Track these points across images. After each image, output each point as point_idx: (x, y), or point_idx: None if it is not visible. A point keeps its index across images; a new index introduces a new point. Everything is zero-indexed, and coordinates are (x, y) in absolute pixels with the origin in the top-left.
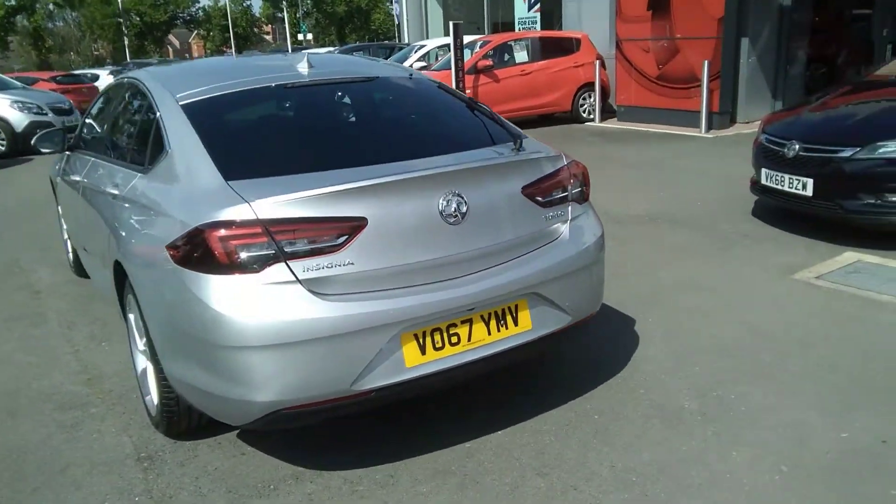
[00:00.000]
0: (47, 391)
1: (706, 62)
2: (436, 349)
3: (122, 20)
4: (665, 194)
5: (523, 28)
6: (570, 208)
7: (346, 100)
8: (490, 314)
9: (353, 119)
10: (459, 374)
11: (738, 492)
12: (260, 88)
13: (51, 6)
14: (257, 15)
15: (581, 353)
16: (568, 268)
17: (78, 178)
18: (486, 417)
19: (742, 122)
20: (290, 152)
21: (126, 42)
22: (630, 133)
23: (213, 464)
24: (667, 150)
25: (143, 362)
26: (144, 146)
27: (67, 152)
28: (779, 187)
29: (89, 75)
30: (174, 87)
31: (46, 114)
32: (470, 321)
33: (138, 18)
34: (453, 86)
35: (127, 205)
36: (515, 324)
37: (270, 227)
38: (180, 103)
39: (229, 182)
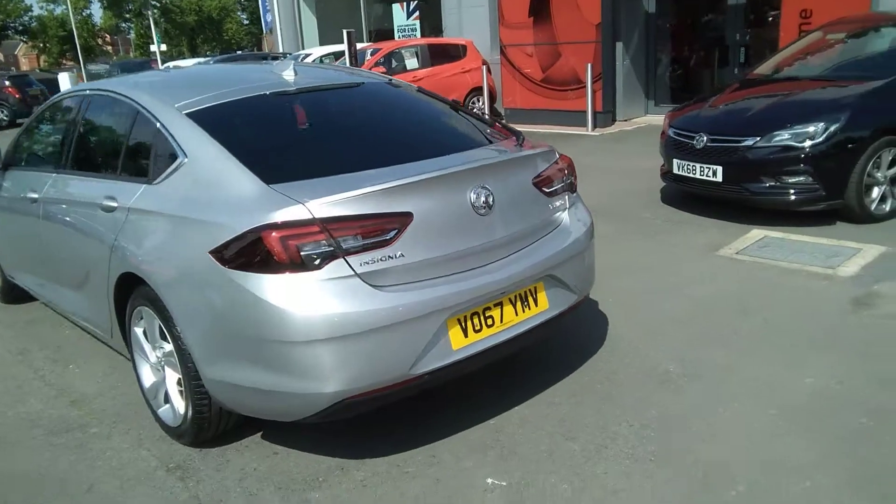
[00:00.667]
0: (30, 417)
1: (589, 65)
2: (475, 332)
3: None
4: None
5: (403, 36)
6: (567, 197)
7: (349, 104)
8: (516, 296)
9: (365, 122)
10: (495, 353)
11: (744, 433)
12: (261, 96)
13: None
14: (98, 25)
15: (562, 336)
16: (573, 251)
17: (27, 197)
18: (499, 396)
19: (621, 119)
20: (317, 155)
21: None
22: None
23: (250, 465)
24: (562, 149)
25: (151, 376)
26: (144, 157)
27: None
28: (691, 175)
29: None
30: (168, 96)
31: None
32: (501, 304)
33: None
34: None
35: (136, 217)
36: (536, 304)
37: (328, 225)
38: (184, 112)
39: (271, 186)
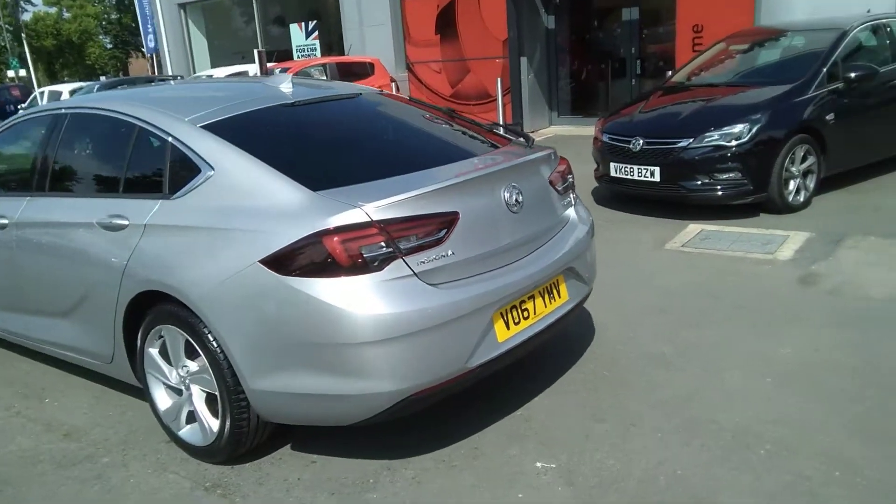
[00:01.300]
0: (26, 455)
1: (499, 80)
2: (515, 324)
3: None
4: None
5: (303, 56)
6: (571, 196)
7: (358, 113)
8: (544, 289)
9: (381, 129)
10: (531, 344)
11: (751, 399)
12: (272, 108)
13: None
14: None
15: None
16: (584, 245)
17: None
18: (515, 390)
19: (529, 131)
20: (350, 162)
21: None
22: None
23: (293, 475)
24: None
25: (167, 399)
26: (154, 173)
27: None
28: (629, 177)
29: None
30: (173, 111)
31: None
32: (533, 297)
33: None
34: None
35: (156, 233)
36: (559, 296)
37: (386, 227)
38: (199, 126)
39: (318, 192)
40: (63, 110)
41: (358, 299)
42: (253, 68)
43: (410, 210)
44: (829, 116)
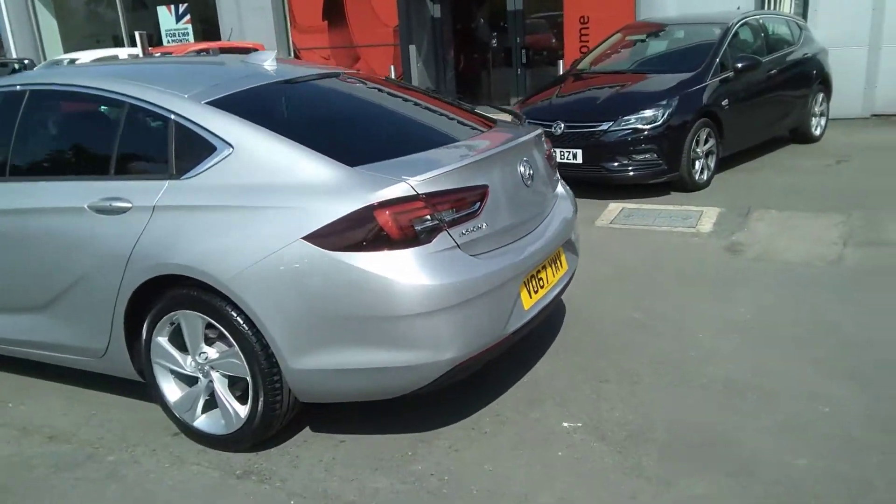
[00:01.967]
0: (12, 461)
1: (392, 67)
2: (534, 293)
3: None
4: None
5: (173, 41)
6: (556, 171)
7: (351, 92)
8: (551, 260)
9: (382, 108)
10: (546, 311)
11: (729, 353)
12: (272, 84)
13: None
14: None
15: None
16: (574, 217)
17: None
18: (511, 360)
19: None
20: (372, 139)
21: None
22: None
23: (326, 455)
24: None
25: (177, 390)
26: (156, 152)
27: None
28: None
29: None
30: (168, 87)
31: None
32: (545, 267)
33: None
34: None
35: (169, 215)
36: (561, 266)
37: (432, 200)
38: (203, 102)
39: (356, 168)
40: (18, 87)
41: (410, 271)
42: (124, 52)
43: (448, 184)
44: (724, 102)
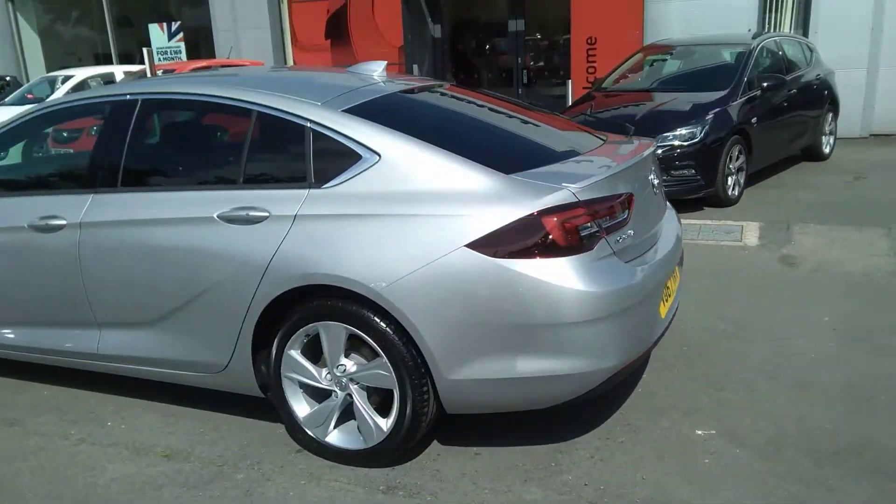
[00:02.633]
0: (136, 482)
1: None
2: (665, 301)
3: None
4: None
5: (165, 59)
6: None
7: (472, 102)
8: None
9: (506, 117)
10: (672, 320)
11: (831, 360)
12: (396, 94)
13: None
14: None
15: None
16: (681, 227)
17: (40, 224)
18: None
19: None
20: (514, 147)
21: None
22: None
23: (467, 468)
24: None
25: (306, 405)
26: (291, 161)
27: None
28: None
29: None
30: (299, 95)
31: None
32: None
33: None
34: None
35: (312, 223)
36: (677, 275)
37: (592, 207)
38: (340, 110)
39: (512, 175)
40: (128, 97)
41: (578, 278)
42: (119, 70)
43: (601, 191)
44: (753, 120)
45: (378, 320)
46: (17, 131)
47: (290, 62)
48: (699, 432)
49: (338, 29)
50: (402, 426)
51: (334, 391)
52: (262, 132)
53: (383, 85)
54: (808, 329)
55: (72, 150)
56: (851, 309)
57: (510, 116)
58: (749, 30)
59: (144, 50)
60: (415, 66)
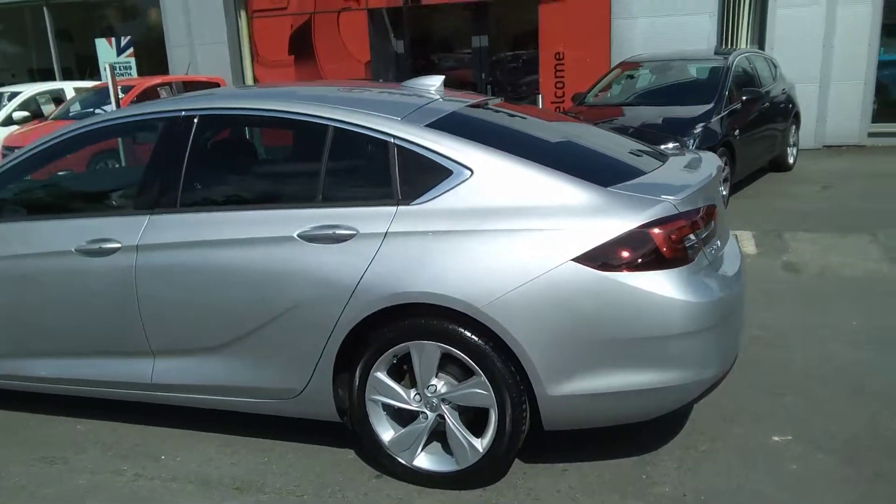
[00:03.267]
0: None
1: None
2: None
3: None
4: None
5: (117, 74)
6: None
7: (536, 116)
8: None
9: (571, 131)
10: None
11: (872, 365)
12: (467, 108)
13: None
14: None
15: None
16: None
17: (92, 248)
18: None
19: None
20: (597, 161)
21: None
22: None
23: (561, 484)
24: None
25: (389, 429)
26: (372, 177)
27: None
28: None
29: None
30: (376, 111)
31: None
32: None
33: None
34: None
35: (403, 241)
36: None
37: (690, 219)
38: (423, 125)
39: (609, 188)
40: (183, 113)
41: (684, 289)
42: (69, 86)
43: (695, 203)
44: (736, 132)
45: (476, 338)
46: (55, 149)
47: (250, 79)
48: (776, 438)
49: (302, 44)
50: (500, 445)
51: (423, 412)
52: (341, 149)
53: (450, 100)
54: (839, 333)
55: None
56: (872, 313)
57: (578, 130)
58: (710, 46)
59: (106, 65)
60: (381, 82)
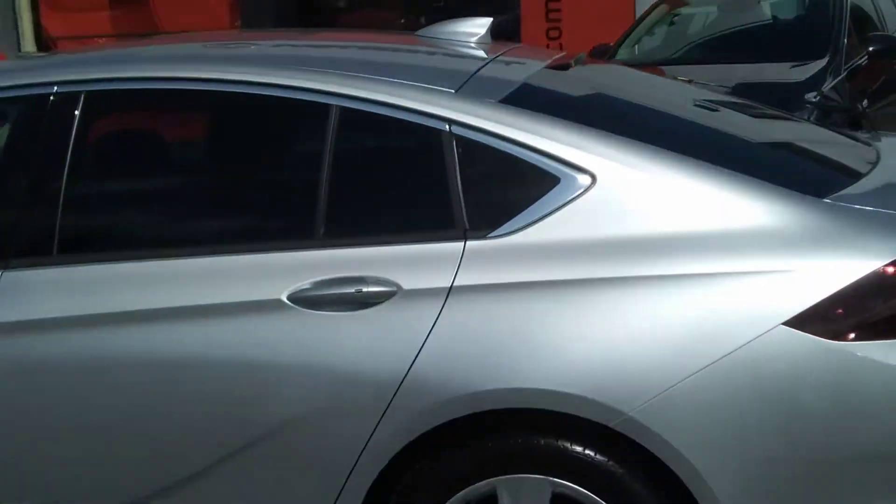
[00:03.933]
0: None
1: None
2: None
3: None
4: None
5: None
6: None
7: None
8: None
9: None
10: None
11: None
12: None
13: None
14: None
15: None
16: None
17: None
18: None
19: None
20: (791, 154)
21: None
22: None
23: None
24: None
25: None
26: (420, 192)
27: None
28: None
29: None
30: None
31: None
32: None
33: None
34: None
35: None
36: None
37: None
38: (497, 100)
39: (826, 199)
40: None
41: None
42: None
43: None
44: (864, 102)
45: (618, 467)
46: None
47: (30, 38)
48: None
49: None
50: None
51: None
52: (355, 144)
53: (517, 60)
54: None
55: None
56: None
57: (724, 105)
58: None
59: None
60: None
